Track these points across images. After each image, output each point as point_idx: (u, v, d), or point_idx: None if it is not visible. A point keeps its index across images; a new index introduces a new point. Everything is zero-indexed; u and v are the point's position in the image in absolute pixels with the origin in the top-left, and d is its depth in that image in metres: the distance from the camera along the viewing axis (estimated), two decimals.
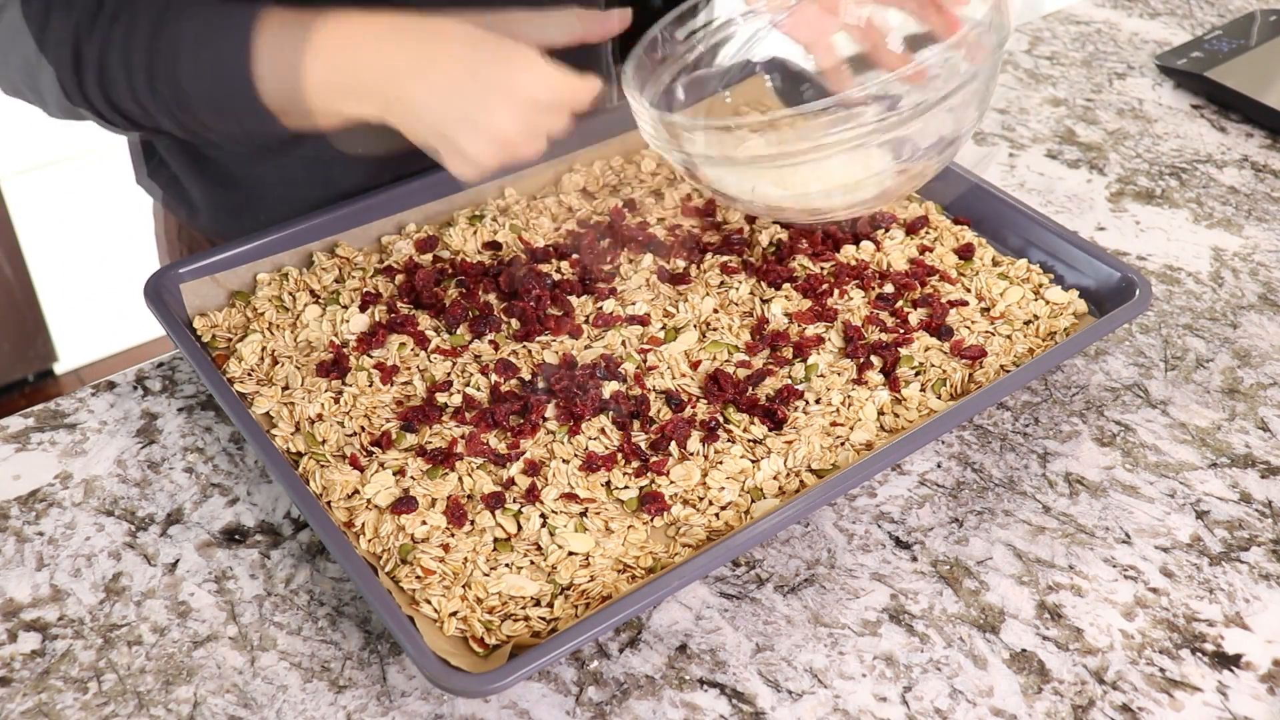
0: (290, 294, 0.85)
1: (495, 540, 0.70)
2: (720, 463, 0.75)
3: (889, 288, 0.89)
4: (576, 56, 0.79)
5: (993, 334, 0.85)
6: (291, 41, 0.70)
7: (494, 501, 0.71)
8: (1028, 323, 0.86)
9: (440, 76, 0.71)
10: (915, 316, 0.86)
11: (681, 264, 0.90)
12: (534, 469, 0.74)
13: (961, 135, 0.77)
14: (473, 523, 0.71)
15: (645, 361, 0.81)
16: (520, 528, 0.71)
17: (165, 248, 1.06)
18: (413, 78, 0.71)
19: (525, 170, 0.97)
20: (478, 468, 0.74)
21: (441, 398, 0.78)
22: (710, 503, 0.73)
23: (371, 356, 0.80)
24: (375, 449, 0.75)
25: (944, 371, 0.81)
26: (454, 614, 0.66)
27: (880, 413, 0.79)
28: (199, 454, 0.78)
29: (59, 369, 2.17)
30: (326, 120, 0.73)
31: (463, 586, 0.67)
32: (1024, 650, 0.69)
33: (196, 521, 0.74)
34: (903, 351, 0.82)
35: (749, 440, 0.76)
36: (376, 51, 0.71)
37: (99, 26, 0.72)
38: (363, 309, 0.84)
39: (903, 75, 0.74)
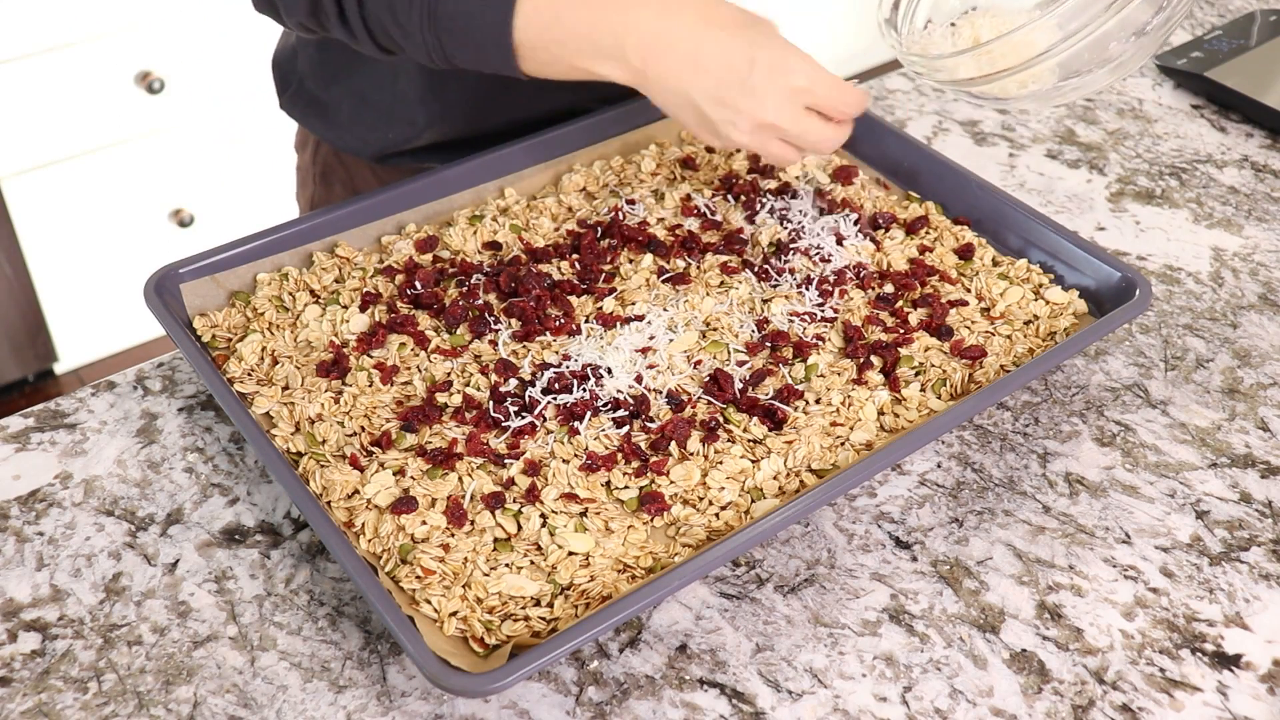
0: (290, 294, 0.85)
1: (495, 540, 0.70)
2: (720, 463, 0.75)
3: (889, 288, 0.89)
4: None
5: (993, 334, 0.85)
6: None
7: (494, 501, 0.71)
8: (1028, 323, 0.86)
9: (715, 50, 0.76)
10: (915, 316, 0.86)
11: (681, 264, 0.90)
12: (534, 469, 0.74)
13: None
14: (473, 523, 0.71)
15: (645, 361, 0.81)
16: (520, 528, 0.71)
17: (300, 179, 1.14)
18: (683, 48, 0.76)
19: (525, 170, 0.97)
20: (478, 468, 0.74)
21: (441, 398, 0.78)
22: (710, 503, 0.73)
23: (371, 356, 0.80)
24: (375, 449, 0.75)
25: (944, 371, 0.81)
26: (454, 614, 0.66)
27: (880, 413, 0.79)
28: (199, 454, 0.78)
29: (59, 369, 2.17)
30: (569, 71, 0.79)
31: (463, 586, 0.67)
32: (1024, 650, 0.69)
33: (196, 521, 0.74)
34: (903, 351, 0.82)
35: (749, 440, 0.76)
36: (653, 16, 0.76)
37: None
38: (363, 309, 0.84)
39: None
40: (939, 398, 0.80)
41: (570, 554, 0.69)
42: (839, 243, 0.92)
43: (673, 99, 0.79)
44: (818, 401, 0.79)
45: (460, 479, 0.73)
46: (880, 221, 0.94)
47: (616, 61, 0.77)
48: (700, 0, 0.78)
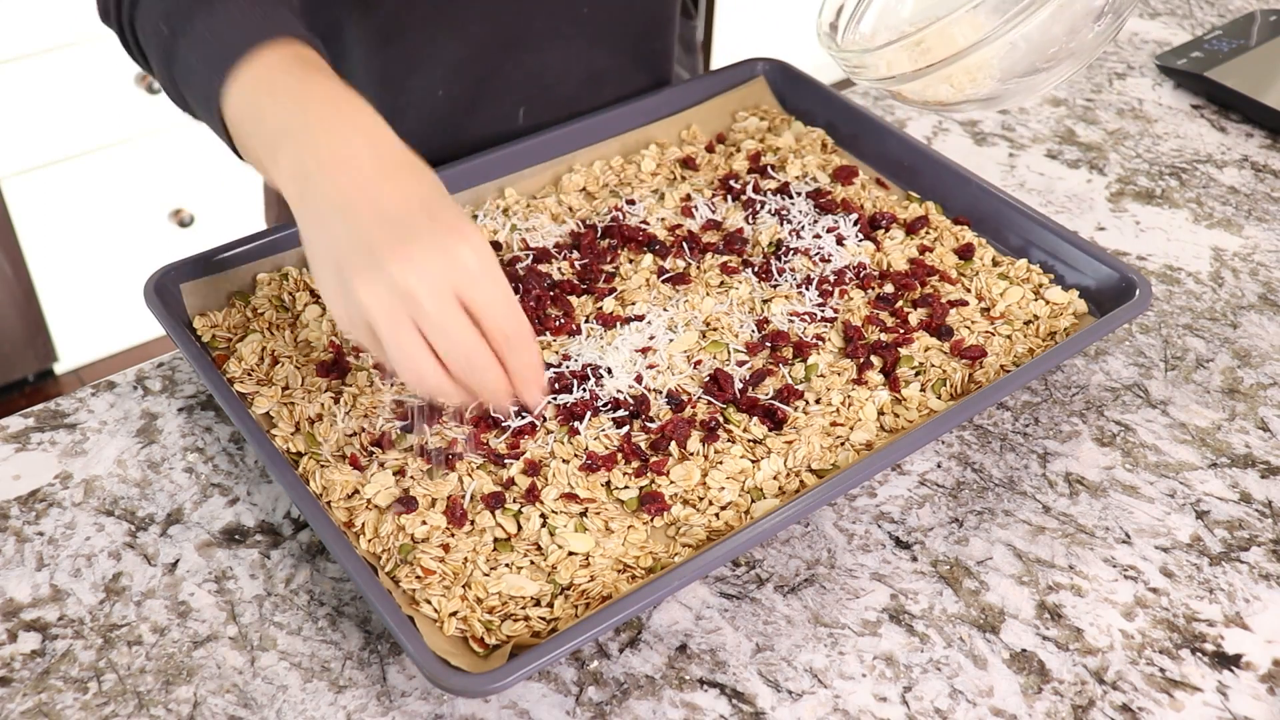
0: (290, 294, 0.85)
1: (495, 540, 0.70)
2: (720, 463, 0.75)
3: (889, 288, 0.89)
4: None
5: (993, 334, 0.85)
6: (281, 76, 0.66)
7: (494, 501, 0.71)
8: (1028, 323, 0.86)
9: (401, 183, 0.62)
10: (915, 316, 0.86)
11: (681, 264, 0.90)
12: (534, 469, 0.74)
13: None
14: (473, 523, 0.71)
15: (645, 361, 0.81)
16: (520, 528, 0.71)
17: (266, 200, 1.10)
18: (371, 165, 0.62)
19: (525, 170, 0.97)
20: (478, 468, 0.74)
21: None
22: (710, 503, 0.73)
23: (372, 356, 0.80)
24: (375, 449, 0.75)
25: (944, 371, 0.81)
26: (454, 614, 0.66)
27: (880, 413, 0.79)
28: (199, 454, 0.78)
29: (59, 369, 2.17)
30: (254, 156, 0.67)
31: (463, 586, 0.67)
32: (1024, 650, 0.69)
33: (196, 521, 0.74)
34: (903, 351, 0.82)
35: (749, 440, 0.76)
36: (367, 128, 0.64)
37: None
38: None
39: None
40: (939, 398, 0.80)
41: (570, 554, 0.69)
42: (839, 243, 0.92)
43: (321, 222, 0.61)
44: (818, 401, 0.79)
45: (460, 479, 0.73)
46: (880, 221, 0.94)
47: (295, 152, 0.63)
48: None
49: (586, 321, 0.84)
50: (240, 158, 0.69)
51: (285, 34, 0.68)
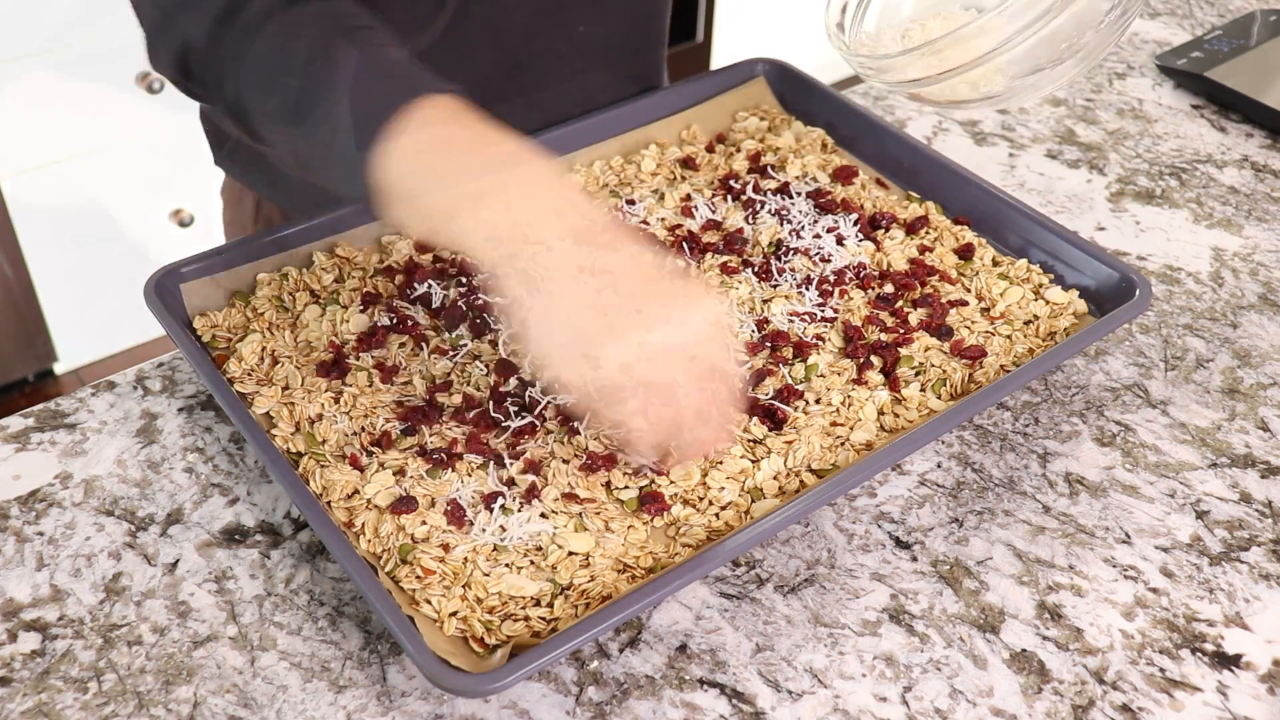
0: (290, 294, 0.85)
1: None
2: (720, 463, 0.75)
3: (889, 288, 0.89)
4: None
5: (993, 334, 0.85)
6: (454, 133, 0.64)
7: (494, 501, 0.71)
8: (1028, 323, 0.86)
9: (624, 255, 0.61)
10: (915, 316, 0.86)
11: (681, 264, 0.90)
12: (534, 468, 0.73)
13: None
14: (472, 523, 0.71)
15: None
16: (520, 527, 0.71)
17: (238, 231, 1.07)
18: (582, 237, 0.61)
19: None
20: (478, 467, 0.74)
21: (441, 398, 0.78)
22: (710, 503, 0.73)
23: (372, 356, 0.80)
24: (375, 449, 0.75)
25: (944, 371, 0.81)
26: (454, 614, 0.66)
27: (880, 413, 0.79)
28: (199, 454, 0.78)
29: (59, 369, 2.17)
30: (419, 216, 0.64)
31: (463, 586, 0.67)
32: (1024, 650, 0.69)
33: (196, 521, 0.74)
34: (903, 351, 0.82)
35: (749, 440, 0.76)
36: (553, 189, 0.63)
37: None
38: (363, 309, 0.84)
39: None
40: (939, 398, 0.80)
41: (570, 554, 0.69)
42: (839, 243, 0.92)
43: (557, 285, 0.61)
44: (818, 401, 0.79)
45: (460, 479, 0.73)
46: (880, 221, 0.94)
47: (497, 211, 0.61)
48: None
49: None
50: (368, 207, 0.66)
51: (441, 88, 0.66)
